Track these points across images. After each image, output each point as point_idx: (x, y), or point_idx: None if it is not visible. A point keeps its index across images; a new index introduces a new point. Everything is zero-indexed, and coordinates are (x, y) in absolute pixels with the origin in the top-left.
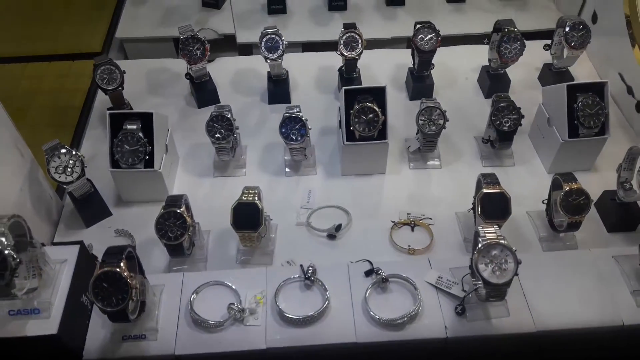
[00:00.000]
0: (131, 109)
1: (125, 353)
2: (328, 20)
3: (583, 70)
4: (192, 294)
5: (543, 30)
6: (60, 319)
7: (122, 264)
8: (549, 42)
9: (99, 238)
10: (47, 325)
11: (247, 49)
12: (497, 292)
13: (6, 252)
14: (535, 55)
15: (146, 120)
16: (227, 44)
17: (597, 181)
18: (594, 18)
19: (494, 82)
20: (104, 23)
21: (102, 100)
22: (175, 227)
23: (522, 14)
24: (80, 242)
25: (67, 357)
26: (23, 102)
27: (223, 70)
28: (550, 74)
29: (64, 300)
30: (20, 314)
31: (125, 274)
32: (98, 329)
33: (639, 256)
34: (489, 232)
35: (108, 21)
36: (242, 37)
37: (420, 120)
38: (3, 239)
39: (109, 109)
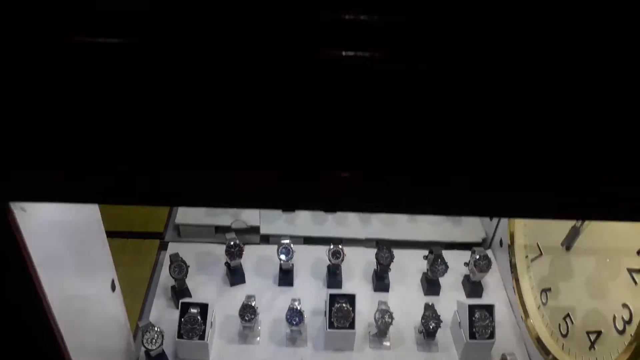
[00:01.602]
0: (187, 287)
1: None
2: (323, 220)
3: (493, 280)
4: None
5: (472, 243)
6: None
7: None
8: (468, 260)
9: None
10: None
11: (266, 237)
12: None
13: None
14: (462, 264)
15: (203, 306)
16: (251, 231)
17: None
18: (501, 242)
19: (429, 285)
20: (165, 211)
21: (165, 274)
22: None
23: (457, 228)
24: None
25: None
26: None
27: (249, 256)
28: (468, 283)
29: None
30: None
31: None
32: None
33: None
34: None
35: (168, 209)
36: (264, 230)
37: (376, 315)
38: None
39: (172, 287)
